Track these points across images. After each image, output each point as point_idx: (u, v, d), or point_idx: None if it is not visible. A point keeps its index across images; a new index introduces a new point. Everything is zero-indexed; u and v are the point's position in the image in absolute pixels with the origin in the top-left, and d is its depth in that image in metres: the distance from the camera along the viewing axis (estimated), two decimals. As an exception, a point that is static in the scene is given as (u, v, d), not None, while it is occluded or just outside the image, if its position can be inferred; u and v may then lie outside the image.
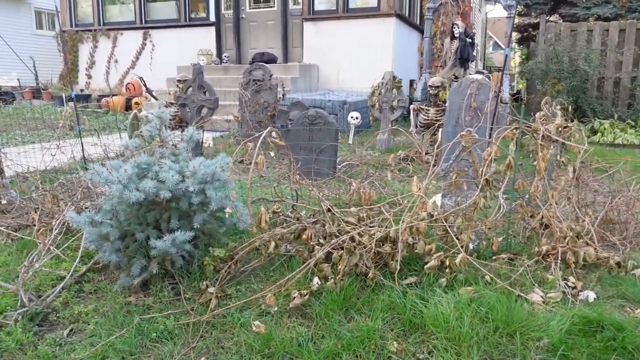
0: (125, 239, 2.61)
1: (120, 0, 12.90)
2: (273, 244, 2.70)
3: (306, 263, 2.54)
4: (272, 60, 10.59)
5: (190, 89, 5.40)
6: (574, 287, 2.60)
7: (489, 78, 5.28)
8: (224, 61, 11.50)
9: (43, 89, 13.01)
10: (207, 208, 2.66)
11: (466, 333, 2.12)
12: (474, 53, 9.01)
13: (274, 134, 2.98)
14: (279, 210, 3.38)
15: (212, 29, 11.76)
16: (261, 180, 4.93)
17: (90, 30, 13.00)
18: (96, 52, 13.13)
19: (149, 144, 2.78)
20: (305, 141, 4.77)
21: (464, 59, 8.55)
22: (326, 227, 2.84)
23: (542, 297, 2.49)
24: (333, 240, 2.63)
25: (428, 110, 5.74)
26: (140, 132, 4.05)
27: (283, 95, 6.89)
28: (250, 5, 11.51)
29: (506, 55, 3.83)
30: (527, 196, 3.25)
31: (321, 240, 2.77)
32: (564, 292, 2.54)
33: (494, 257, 2.88)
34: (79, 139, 5.12)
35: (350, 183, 4.19)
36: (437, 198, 3.80)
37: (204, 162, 2.79)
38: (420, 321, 2.25)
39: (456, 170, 3.30)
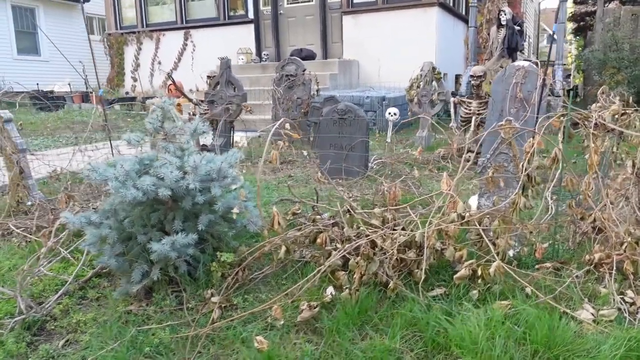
0: (128, 242, 2.45)
1: (161, 1, 13.07)
2: (284, 248, 2.46)
3: (317, 270, 2.29)
4: (310, 56, 10.38)
5: (219, 85, 5.27)
6: (632, 303, 2.22)
7: (537, 65, 4.84)
8: (264, 59, 11.41)
9: (90, 93, 13.36)
10: (215, 208, 2.46)
11: (498, 357, 1.81)
12: (523, 42, 8.44)
13: (287, 125, 2.74)
14: (299, 211, 3.14)
15: (251, 27, 11.68)
16: (290, 180, 4.71)
17: (134, 32, 13.24)
18: (140, 54, 13.36)
19: (155, 138, 2.61)
20: (335, 137, 4.52)
21: (511, 49, 8.02)
22: (345, 230, 2.57)
23: (592, 314, 2.13)
24: (348, 245, 2.36)
25: (470, 102, 5.35)
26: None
27: (317, 90, 6.65)
28: (288, 1, 11.35)
29: (553, 33, 3.40)
30: (578, 196, 2.86)
31: (338, 245, 2.51)
32: (619, 309, 2.17)
33: (537, 267, 2.52)
34: (109, 140, 5.10)
35: (381, 182, 3.91)
36: (474, 199, 3.46)
37: (207, 157, 2.61)
38: (444, 341, 1.95)
39: (494, 165, 2.95)
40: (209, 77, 5.73)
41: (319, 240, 2.48)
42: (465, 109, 5.37)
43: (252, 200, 2.74)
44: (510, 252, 2.86)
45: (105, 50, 13.97)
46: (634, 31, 8.83)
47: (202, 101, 5.77)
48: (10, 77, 14.82)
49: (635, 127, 2.94)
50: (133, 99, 12.45)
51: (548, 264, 2.49)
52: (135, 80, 13.63)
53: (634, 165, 2.78)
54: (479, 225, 2.45)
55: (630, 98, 6.63)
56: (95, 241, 2.39)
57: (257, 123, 8.08)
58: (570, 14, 19.24)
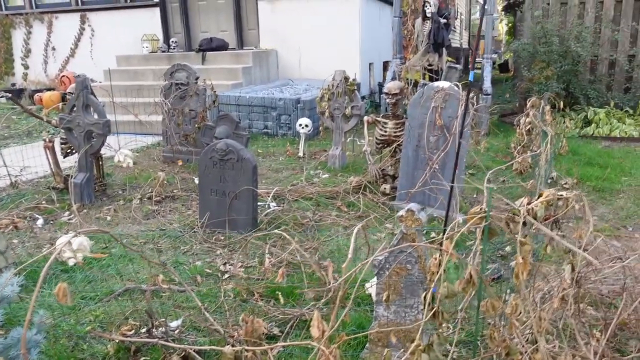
0: None
1: (52, -21, 11.39)
2: None
3: None
4: (221, 46, 9.28)
5: (75, 108, 4.17)
6: None
7: (459, 87, 4.13)
8: (172, 47, 10.15)
9: (-33, 84, 11.58)
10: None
11: None
12: (450, 37, 7.76)
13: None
14: (131, 331, 2.24)
15: (157, 10, 10.34)
16: (161, 235, 3.74)
17: (21, 14, 11.49)
18: (31, 39, 11.65)
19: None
20: (217, 181, 3.61)
21: (438, 44, 7.32)
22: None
23: None
24: None
25: (385, 123, 4.57)
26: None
27: (214, 101, 5.66)
28: (197, -18, 10.10)
29: (471, 81, 2.57)
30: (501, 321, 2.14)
31: None
32: None
33: None
34: None
35: (266, 252, 3.06)
36: (373, 285, 2.71)
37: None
38: None
39: (394, 267, 2.18)
40: (69, 93, 4.61)
41: None
42: (381, 130, 4.60)
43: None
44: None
45: (-12, 33, 12.10)
46: (563, 22, 8.37)
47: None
48: None
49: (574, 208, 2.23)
50: (21, 91, 10.83)
51: None
52: (26, 67, 11.94)
53: (572, 270, 2.08)
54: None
55: (562, 103, 6.11)
56: None
57: (157, 125, 6.97)
58: (500, -9, 18.96)
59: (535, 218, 1.94)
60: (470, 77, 2.37)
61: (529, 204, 1.97)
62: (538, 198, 1.99)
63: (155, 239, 3.61)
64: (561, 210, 2.05)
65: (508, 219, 1.93)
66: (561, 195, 2.03)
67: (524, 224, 1.93)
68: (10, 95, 5.11)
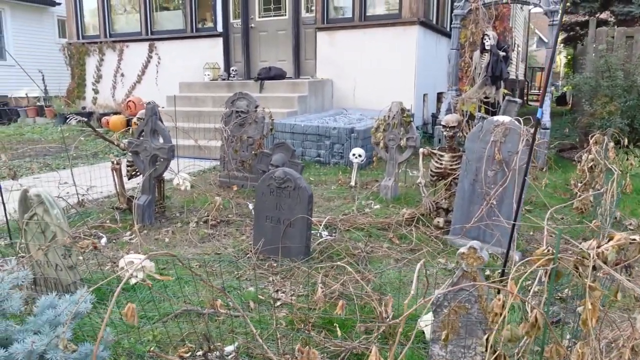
0: None
1: (126, 10, 12.16)
2: None
3: None
4: (279, 75, 9.55)
5: (144, 133, 4.40)
6: None
7: (520, 122, 4.07)
8: (232, 75, 10.54)
9: (46, 106, 12.41)
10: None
11: None
12: (508, 70, 7.66)
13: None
14: (187, 354, 2.29)
15: (220, 40, 10.82)
16: (216, 258, 3.84)
17: (96, 43, 12.32)
18: (103, 66, 12.43)
19: None
20: (273, 209, 3.68)
21: (495, 77, 7.24)
22: None
23: None
24: None
25: (441, 155, 4.53)
26: (32, 215, 3.06)
27: (271, 129, 5.81)
28: (260, 14, 10.50)
29: (538, 119, 2.47)
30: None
31: None
32: None
33: None
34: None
35: (322, 277, 3.08)
36: (429, 318, 2.65)
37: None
38: None
39: (452, 305, 2.14)
40: (139, 118, 4.87)
41: None
42: (437, 162, 4.56)
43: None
44: None
45: (66, 60, 13.00)
46: (629, 56, 8.08)
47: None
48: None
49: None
50: (90, 114, 11.50)
51: None
52: (96, 92, 12.72)
53: (646, 320, 1.97)
54: None
55: (626, 140, 5.85)
56: None
57: (215, 150, 7.21)
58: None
59: (605, 262, 1.87)
60: (538, 114, 2.32)
61: (598, 246, 1.90)
62: (608, 241, 1.92)
63: (210, 263, 3.70)
64: (632, 255, 1.96)
65: (577, 261, 1.86)
66: (634, 239, 1.95)
67: (594, 267, 1.86)
68: (85, 119, 5.43)
